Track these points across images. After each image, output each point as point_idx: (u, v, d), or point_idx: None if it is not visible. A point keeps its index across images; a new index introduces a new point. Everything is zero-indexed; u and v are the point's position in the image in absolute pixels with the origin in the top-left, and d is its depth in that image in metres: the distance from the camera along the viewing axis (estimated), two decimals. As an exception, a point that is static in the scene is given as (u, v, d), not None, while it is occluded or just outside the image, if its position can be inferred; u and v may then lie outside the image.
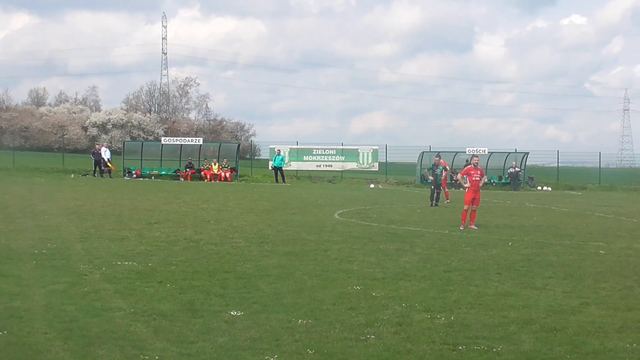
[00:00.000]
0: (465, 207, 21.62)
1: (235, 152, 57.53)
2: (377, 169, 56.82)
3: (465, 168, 22.69)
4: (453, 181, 43.20)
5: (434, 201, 30.92)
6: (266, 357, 7.70)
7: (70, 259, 13.73)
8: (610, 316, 9.95)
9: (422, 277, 12.86)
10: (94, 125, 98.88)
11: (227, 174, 51.45)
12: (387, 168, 57.95)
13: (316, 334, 8.72)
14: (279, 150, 52.27)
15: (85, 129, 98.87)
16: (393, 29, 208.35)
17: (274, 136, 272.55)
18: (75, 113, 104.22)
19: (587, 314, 10.12)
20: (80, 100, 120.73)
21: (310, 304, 10.36)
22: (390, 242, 17.66)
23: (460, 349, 8.18)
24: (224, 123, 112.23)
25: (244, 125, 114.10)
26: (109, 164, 50.22)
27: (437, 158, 32.36)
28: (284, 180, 50.09)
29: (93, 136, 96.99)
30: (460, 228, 21.17)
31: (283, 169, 51.18)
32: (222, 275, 12.44)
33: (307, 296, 10.93)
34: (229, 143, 73.95)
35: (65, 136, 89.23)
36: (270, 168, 53.39)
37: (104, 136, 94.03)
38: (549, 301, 10.94)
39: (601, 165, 59.27)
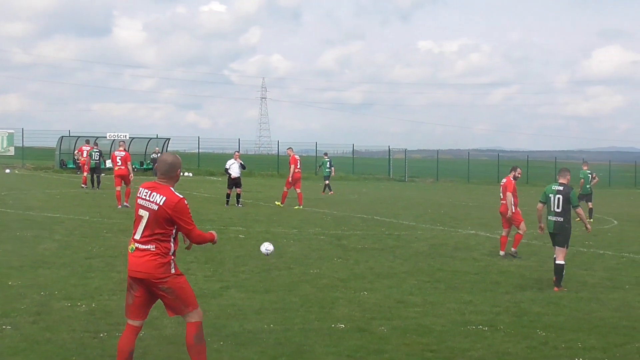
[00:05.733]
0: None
1: None
2: (12, 154, 53.80)
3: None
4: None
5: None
6: None
7: None
8: (250, 299, 10.47)
9: (62, 264, 12.52)
10: None
11: None
12: (24, 152, 55.14)
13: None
14: None
15: None
16: (25, 7, 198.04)
17: None
18: None
19: (227, 297, 10.54)
20: None
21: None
22: (28, 229, 16.92)
23: (101, 337, 8.11)
24: None
25: None
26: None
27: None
28: None
29: None
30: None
31: None
32: None
33: None
34: None
35: None
36: None
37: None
38: (191, 285, 11.17)
39: (241, 151, 61.68)
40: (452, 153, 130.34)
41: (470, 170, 63.74)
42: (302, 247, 16.00)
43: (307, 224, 20.86)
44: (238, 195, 26.05)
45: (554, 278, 12.08)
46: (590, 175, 25.46)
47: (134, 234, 6.56)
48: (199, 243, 6.78)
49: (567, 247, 12.21)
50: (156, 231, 6.47)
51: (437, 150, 75.27)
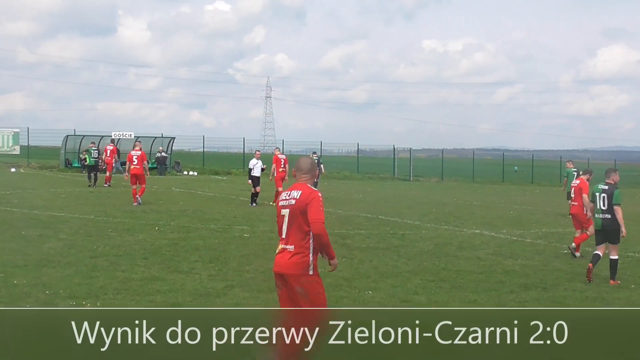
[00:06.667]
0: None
1: None
2: (18, 153, 53.90)
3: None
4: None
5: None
6: None
7: None
8: (254, 298, 10.46)
9: (66, 263, 12.54)
10: None
11: None
12: (29, 152, 55.25)
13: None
14: None
15: None
16: (30, 7, 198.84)
17: None
18: None
19: (232, 296, 10.55)
20: None
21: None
22: (32, 228, 16.93)
23: (106, 335, 8.10)
24: None
25: None
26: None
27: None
28: None
29: None
30: None
31: None
32: None
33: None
34: None
35: None
36: None
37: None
38: (195, 284, 11.23)
39: (245, 150, 61.82)
40: (457, 152, 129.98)
41: (474, 170, 63.64)
42: (307, 246, 15.96)
43: (311, 223, 20.81)
44: (257, 194, 25.68)
45: (593, 272, 12.66)
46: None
47: (280, 235, 7.09)
48: (320, 237, 6.79)
49: (618, 242, 12.93)
50: (295, 228, 6.90)
51: (442, 150, 75.10)
